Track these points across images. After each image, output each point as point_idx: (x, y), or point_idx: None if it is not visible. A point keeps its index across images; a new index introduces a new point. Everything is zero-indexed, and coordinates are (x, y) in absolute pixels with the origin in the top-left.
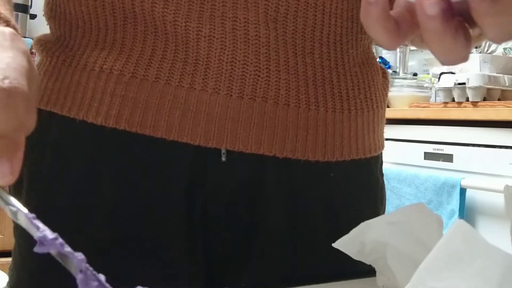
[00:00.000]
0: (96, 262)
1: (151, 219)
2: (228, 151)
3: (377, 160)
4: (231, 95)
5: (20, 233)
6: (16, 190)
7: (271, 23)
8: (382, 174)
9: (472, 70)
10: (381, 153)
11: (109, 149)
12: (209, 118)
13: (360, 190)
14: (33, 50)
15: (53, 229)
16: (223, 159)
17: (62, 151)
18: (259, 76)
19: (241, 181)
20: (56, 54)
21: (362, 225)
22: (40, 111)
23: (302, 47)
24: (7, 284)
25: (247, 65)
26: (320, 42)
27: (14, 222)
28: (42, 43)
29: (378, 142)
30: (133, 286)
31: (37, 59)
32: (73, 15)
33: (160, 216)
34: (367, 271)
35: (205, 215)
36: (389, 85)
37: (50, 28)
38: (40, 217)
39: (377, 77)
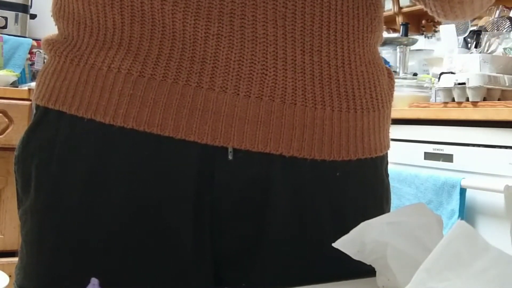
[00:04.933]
0: (104, 260)
1: (159, 218)
2: (235, 150)
3: (383, 160)
4: (238, 94)
5: (27, 232)
6: (24, 189)
7: (279, 20)
8: (387, 174)
9: (472, 70)
10: (387, 153)
11: (117, 147)
12: (216, 116)
13: (365, 189)
14: (34, 50)
15: (62, 227)
16: (230, 157)
17: (71, 150)
18: (266, 75)
19: (248, 179)
20: (64, 53)
21: (362, 225)
22: (48, 111)
23: (311, 45)
24: (14, 283)
25: (255, 64)
26: (328, 40)
27: (20, 220)
28: (50, 43)
29: (384, 142)
30: (140, 285)
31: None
32: (81, 14)
33: (168, 214)
34: (367, 271)
35: (213, 213)
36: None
37: (58, 28)
38: (48, 215)
39: (382, 77)
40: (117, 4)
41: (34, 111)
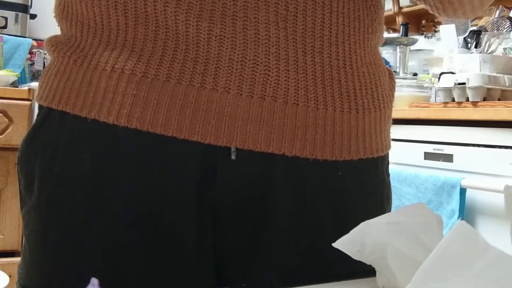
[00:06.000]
0: (106, 259)
1: (161, 217)
2: (237, 150)
3: (384, 160)
4: (241, 94)
5: (30, 231)
6: (27, 189)
7: (281, 22)
8: (388, 174)
9: (472, 70)
10: (388, 153)
11: (120, 148)
12: (219, 116)
13: (367, 189)
14: (34, 50)
15: (65, 226)
16: (233, 157)
17: (74, 150)
18: (268, 75)
19: (250, 179)
20: (68, 54)
21: (362, 225)
22: (51, 111)
23: (312, 46)
24: (17, 283)
25: (257, 65)
26: (329, 41)
27: (23, 220)
28: (53, 43)
29: (385, 142)
30: (142, 284)
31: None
32: (84, 15)
33: (171, 213)
34: (367, 271)
35: (215, 212)
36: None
37: (61, 29)
38: (51, 214)
39: (383, 78)
40: (121, 6)
41: (37, 111)
